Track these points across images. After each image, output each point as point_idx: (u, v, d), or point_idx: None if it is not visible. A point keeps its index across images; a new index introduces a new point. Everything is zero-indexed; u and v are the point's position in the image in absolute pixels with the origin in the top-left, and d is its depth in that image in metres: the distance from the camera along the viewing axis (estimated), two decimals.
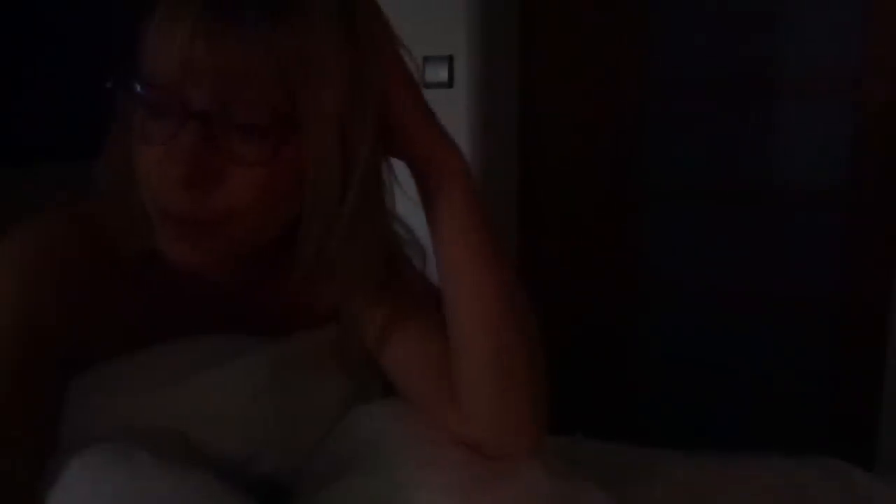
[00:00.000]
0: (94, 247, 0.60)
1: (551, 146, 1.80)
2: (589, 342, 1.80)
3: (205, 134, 0.51)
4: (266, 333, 0.67)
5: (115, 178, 0.58)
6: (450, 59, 1.64)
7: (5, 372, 0.56)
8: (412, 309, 0.66)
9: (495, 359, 0.60)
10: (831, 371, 1.65)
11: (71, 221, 0.61)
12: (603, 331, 1.82)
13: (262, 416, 0.64)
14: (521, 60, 1.78)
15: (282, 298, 0.66)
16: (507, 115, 1.79)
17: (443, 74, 1.64)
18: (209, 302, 0.65)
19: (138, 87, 0.53)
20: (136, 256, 0.59)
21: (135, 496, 0.51)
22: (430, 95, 0.61)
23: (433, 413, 0.65)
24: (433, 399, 0.65)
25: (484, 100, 1.68)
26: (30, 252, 0.59)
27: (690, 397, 1.75)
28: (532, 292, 0.64)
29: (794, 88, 1.60)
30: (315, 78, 0.52)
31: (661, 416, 1.78)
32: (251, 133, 0.52)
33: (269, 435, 0.64)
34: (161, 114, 0.52)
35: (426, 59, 1.60)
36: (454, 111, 1.62)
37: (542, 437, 0.63)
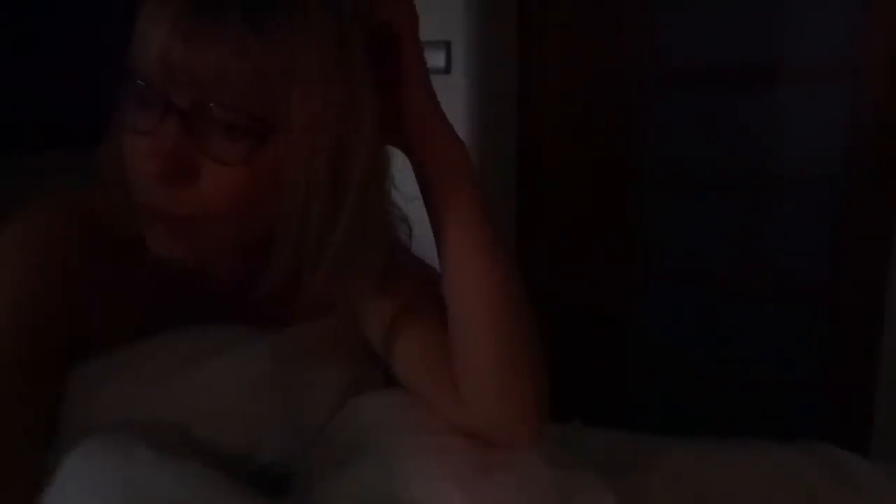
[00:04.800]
0: (93, 236, 0.60)
1: (549, 133, 1.79)
2: (586, 329, 1.81)
3: (184, 130, 0.51)
4: (266, 324, 0.67)
5: (114, 166, 0.58)
6: (447, 45, 1.63)
7: (5, 363, 0.56)
8: (412, 297, 0.66)
9: (499, 349, 0.61)
10: (827, 356, 1.65)
11: (69, 211, 0.61)
12: (600, 318, 1.82)
13: (261, 406, 0.64)
14: (520, 46, 1.76)
15: (282, 288, 0.66)
16: (505, 102, 1.78)
17: (440, 60, 1.63)
18: (208, 292, 0.65)
19: (127, 79, 0.53)
20: (137, 245, 0.58)
21: (133, 489, 0.51)
22: None
23: (434, 401, 0.65)
24: (434, 387, 0.65)
25: (482, 86, 1.67)
26: (29, 242, 0.59)
27: (687, 384, 1.76)
28: (530, 278, 0.64)
29: (792, 77, 1.60)
30: (295, 84, 0.51)
31: (658, 403, 1.79)
32: (229, 132, 0.51)
33: (269, 425, 0.65)
34: (145, 106, 0.52)
35: (423, 45, 1.58)
36: (451, 98, 1.61)
37: (543, 427, 0.63)
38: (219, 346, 0.64)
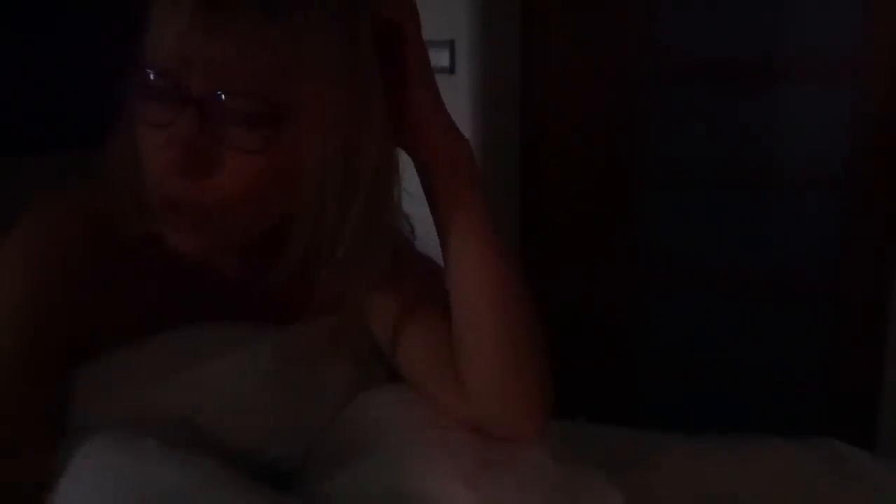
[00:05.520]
0: (96, 236, 0.60)
1: (553, 132, 1.79)
2: (591, 326, 1.81)
3: (202, 120, 0.52)
4: (271, 321, 0.67)
5: (122, 164, 0.58)
6: (451, 44, 1.63)
7: (13, 364, 0.56)
8: (416, 294, 0.66)
9: (502, 347, 0.61)
10: (831, 355, 1.65)
11: (72, 211, 0.61)
12: (605, 315, 1.82)
13: (268, 403, 0.65)
14: (523, 45, 1.77)
15: (287, 286, 0.67)
16: (509, 101, 1.78)
17: (444, 60, 1.63)
18: (214, 289, 0.65)
19: (140, 73, 0.53)
20: (142, 243, 0.59)
21: (139, 483, 0.52)
22: None
23: (438, 397, 0.65)
24: (439, 383, 0.65)
25: (486, 85, 1.67)
26: (30, 243, 0.59)
27: (691, 381, 1.76)
28: (534, 276, 0.64)
29: (795, 75, 1.60)
30: (310, 74, 0.52)
31: (662, 400, 1.79)
32: (246, 122, 0.52)
33: (275, 422, 0.65)
34: (161, 99, 0.53)
35: (427, 44, 1.59)
36: (456, 97, 1.62)
37: (547, 420, 0.64)
38: (224, 344, 0.64)
